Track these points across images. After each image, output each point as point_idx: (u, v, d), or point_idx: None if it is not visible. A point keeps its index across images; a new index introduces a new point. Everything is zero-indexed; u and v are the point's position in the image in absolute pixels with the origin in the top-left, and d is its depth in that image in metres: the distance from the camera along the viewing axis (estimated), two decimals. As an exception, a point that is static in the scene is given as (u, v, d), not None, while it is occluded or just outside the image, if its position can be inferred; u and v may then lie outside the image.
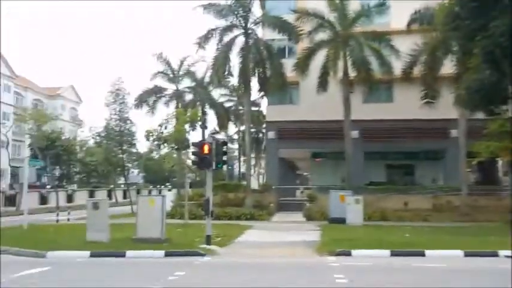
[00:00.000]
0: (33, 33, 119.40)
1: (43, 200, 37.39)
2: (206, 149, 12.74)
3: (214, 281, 9.01)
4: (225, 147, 13.94)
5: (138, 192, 47.21)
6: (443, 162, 28.75)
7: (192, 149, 14.78)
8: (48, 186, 40.42)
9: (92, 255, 11.56)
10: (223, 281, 8.99)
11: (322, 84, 25.79)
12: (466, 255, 11.53)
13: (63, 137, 46.52)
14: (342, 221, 18.91)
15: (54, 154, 41.96)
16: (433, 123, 26.42)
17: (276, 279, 9.08)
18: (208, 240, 12.57)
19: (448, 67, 23.39)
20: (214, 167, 13.05)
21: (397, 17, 26.56)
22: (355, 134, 26.42)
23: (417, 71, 24.61)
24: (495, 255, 11.45)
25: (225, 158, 13.81)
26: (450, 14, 17.55)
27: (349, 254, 11.74)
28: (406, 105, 27.00)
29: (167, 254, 11.55)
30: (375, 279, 9.03)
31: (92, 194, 42.76)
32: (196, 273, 9.81)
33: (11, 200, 33.18)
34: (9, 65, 53.56)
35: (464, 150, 22.95)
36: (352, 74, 25.20)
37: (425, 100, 24.70)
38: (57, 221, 21.68)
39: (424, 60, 23.85)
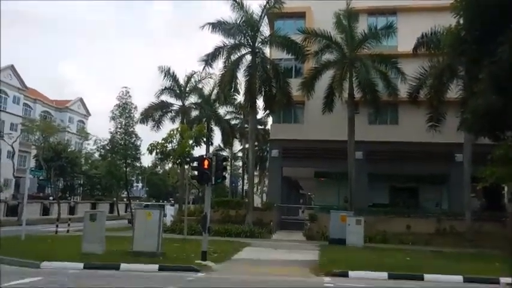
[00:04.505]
0: (45, 44, 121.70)
1: (45, 211, 37.49)
2: (206, 164, 12.72)
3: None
4: (225, 163, 13.90)
5: (140, 206, 47.16)
6: (448, 187, 28.43)
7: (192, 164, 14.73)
8: (50, 198, 40.56)
9: (85, 267, 11.45)
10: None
11: (328, 104, 25.87)
12: (466, 280, 11.30)
13: (68, 149, 46.89)
14: (342, 242, 18.67)
15: (58, 166, 42.22)
16: (438, 147, 26.14)
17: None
18: (203, 256, 12.43)
19: (454, 91, 23.38)
20: (213, 183, 12.98)
21: (404, 41, 26.72)
22: (359, 155, 26.32)
23: (423, 94, 24.61)
24: (496, 282, 11.08)
25: (224, 173, 13.79)
26: (457, 39, 17.48)
27: (346, 275, 11.55)
28: (411, 128, 26.99)
29: (161, 268, 11.45)
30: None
31: (94, 207, 42.65)
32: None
33: (13, 210, 33.21)
34: (20, 77, 54.29)
35: (469, 175, 22.62)
36: (357, 95, 25.24)
37: (430, 123, 24.58)
38: (56, 232, 21.70)
39: (430, 84, 23.78)
